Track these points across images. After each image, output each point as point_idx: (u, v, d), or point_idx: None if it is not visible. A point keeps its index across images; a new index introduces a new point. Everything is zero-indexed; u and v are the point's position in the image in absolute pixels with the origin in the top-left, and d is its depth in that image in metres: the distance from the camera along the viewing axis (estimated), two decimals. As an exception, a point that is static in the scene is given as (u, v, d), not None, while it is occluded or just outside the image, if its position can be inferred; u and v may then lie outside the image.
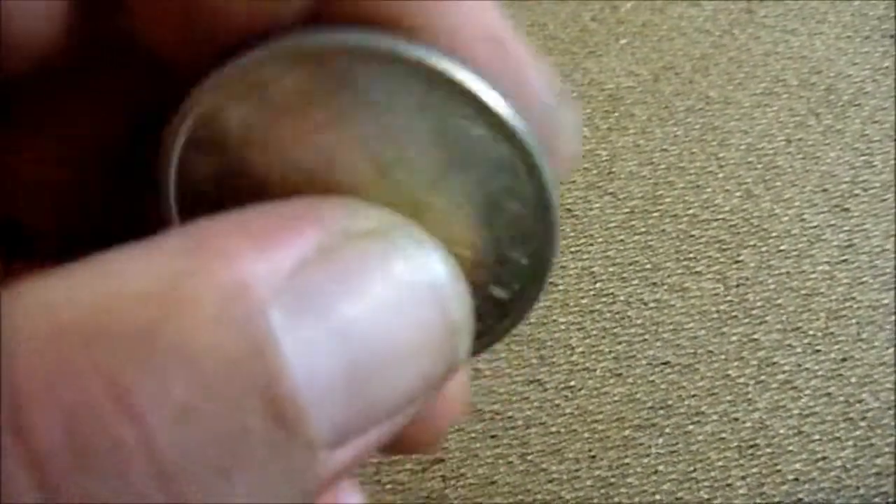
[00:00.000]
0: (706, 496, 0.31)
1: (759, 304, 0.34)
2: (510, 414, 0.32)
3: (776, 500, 0.30)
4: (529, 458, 0.31)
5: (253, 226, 0.10)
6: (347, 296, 0.10)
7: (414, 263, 0.11)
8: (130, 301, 0.09)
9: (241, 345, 0.09)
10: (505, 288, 0.14)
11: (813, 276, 0.34)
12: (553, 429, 0.32)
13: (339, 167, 0.13)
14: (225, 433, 0.09)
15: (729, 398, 0.32)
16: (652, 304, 0.34)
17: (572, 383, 0.32)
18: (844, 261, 0.35)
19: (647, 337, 0.33)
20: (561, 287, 0.34)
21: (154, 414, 0.09)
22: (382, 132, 0.12)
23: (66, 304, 0.10)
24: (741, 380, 0.32)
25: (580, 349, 0.33)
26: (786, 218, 0.35)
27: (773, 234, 0.35)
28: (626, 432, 0.32)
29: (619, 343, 0.33)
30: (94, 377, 0.09)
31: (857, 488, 0.31)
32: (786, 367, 0.33)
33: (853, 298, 0.34)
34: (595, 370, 0.33)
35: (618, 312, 0.34)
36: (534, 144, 0.12)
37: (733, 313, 0.34)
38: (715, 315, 0.34)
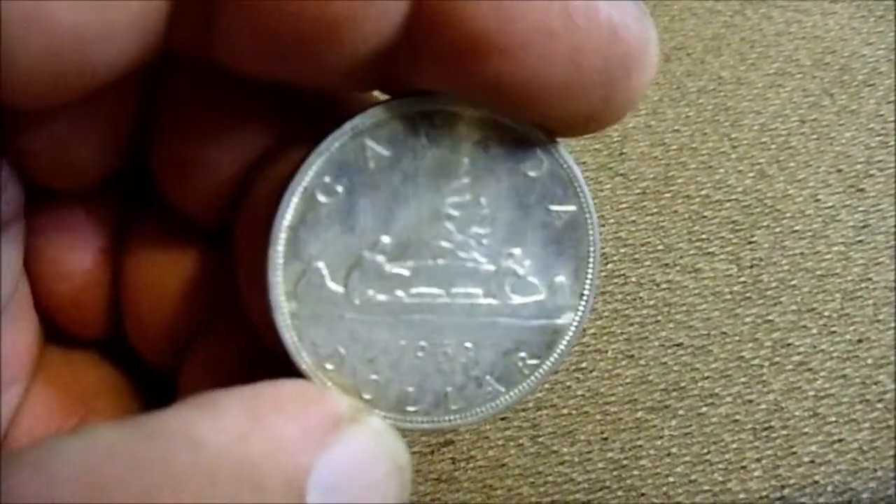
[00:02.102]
0: (720, 478, 0.30)
1: (773, 285, 0.33)
2: (521, 396, 0.31)
3: (792, 482, 0.30)
4: (540, 440, 0.31)
5: (290, 408, 0.14)
6: (348, 478, 0.14)
7: (390, 453, 0.15)
8: (223, 481, 0.13)
9: None
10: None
11: (828, 256, 0.34)
12: (564, 411, 0.31)
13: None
14: None
15: (743, 380, 0.32)
16: (664, 286, 0.33)
17: (584, 365, 0.32)
18: (860, 241, 0.34)
19: (659, 318, 0.33)
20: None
21: None
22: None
23: (166, 469, 0.13)
24: (755, 361, 0.32)
25: (591, 331, 0.32)
26: (800, 198, 0.35)
27: (787, 215, 0.35)
28: (639, 414, 0.31)
29: (632, 324, 0.33)
30: None
31: (875, 470, 0.30)
32: (801, 349, 0.32)
33: (869, 279, 0.33)
34: (607, 352, 0.32)
35: (630, 294, 0.33)
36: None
37: (747, 294, 0.33)
38: (728, 296, 0.33)
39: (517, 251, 0.17)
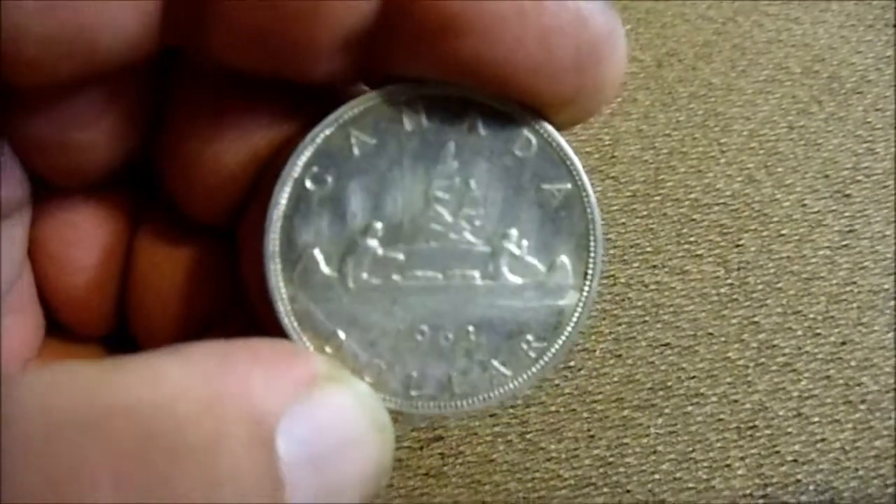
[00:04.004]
0: (705, 476, 0.31)
1: (759, 287, 0.34)
2: (510, 393, 0.32)
3: (775, 481, 0.31)
4: (528, 436, 0.31)
5: (264, 355, 0.14)
6: (321, 430, 0.14)
7: (369, 412, 0.15)
8: (182, 415, 0.13)
9: (259, 465, 0.13)
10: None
11: (814, 260, 0.34)
12: (552, 408, 0.32)
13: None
14: None
15: (728, 380, 0.32)
16: (653, 287, 0.34)
17: (572, 363, 0.32)
18: (845, 246, 0.35)
19: (647, 319, 0.33)
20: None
21: None
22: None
23: (123, 400, 0.13)
24: (741, 362, 0.32)
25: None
26: (787, 203, 0.36)
27: (775, 219, 0.35)
28: (625, 413, 0.32)
29: (620, 324, 0.33)
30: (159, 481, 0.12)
31: (856, 470, 0.31)
32: (786, 350, 0.33)
33: (854, 283, 0.34)
34: (595, 351, 0.33)
35: (618, 294, 0.34)
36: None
37: (734, 296, 0.34)
38: (715, 298, 0.34)
39: (513, 232, 0.17)
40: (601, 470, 0.31)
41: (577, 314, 0.17)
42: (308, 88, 0.18)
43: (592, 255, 0.17)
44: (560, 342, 0.17)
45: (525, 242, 0.17)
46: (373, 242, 0.17)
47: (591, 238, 0.17)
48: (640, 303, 0.33)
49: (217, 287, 0.20)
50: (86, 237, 0.20)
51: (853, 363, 0.32)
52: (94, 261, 0.20)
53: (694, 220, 0.35)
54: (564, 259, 0.17)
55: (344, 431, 0.15)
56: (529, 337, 0.17)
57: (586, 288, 0.17)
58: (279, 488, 0.13)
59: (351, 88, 0.18)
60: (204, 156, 0.18)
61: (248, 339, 0.14)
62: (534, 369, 0.17)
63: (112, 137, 0.19)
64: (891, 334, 0.33)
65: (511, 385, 0.17)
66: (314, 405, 0.14)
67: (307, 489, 0.14)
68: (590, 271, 0.17)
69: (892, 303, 0.33)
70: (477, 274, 0.17)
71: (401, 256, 0.17)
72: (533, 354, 0.17)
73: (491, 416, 0.31)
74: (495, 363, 0.17)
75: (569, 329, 0.17)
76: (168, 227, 0.20)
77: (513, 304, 0.17)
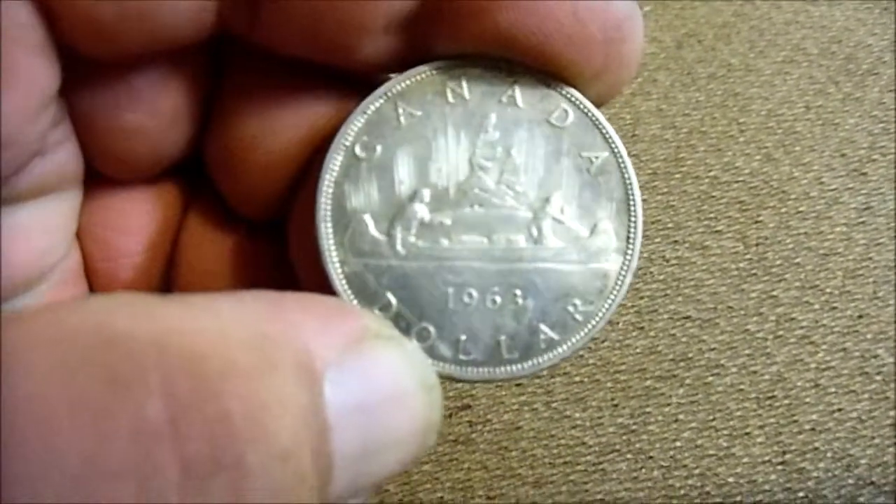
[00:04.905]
0: (725, 444, 0.32)
1: (778, 262, 0.35)
2: (535, 363, 0.33)
3: (793, 448, 0.31)
4: (554, 405, 0.32)
5: (316, 309, 0.14)
6: (369, 382, 0.14)
7: (417, 370, 0.15)
8: (234, 341, 0.13)
9: (306, 404, 0.13)
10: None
11: (831, 236, 0.35)
12: (577, 378, 0.33)
13: None
14: (296, 478, 0.13)
15: (748, 352, 0.33)
16: (674, 261, 0.35)
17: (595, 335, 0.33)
18: (862, 222, 0.35)
19: (668, 292, 0.34)
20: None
21: (253, 448, 0.12)
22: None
23: (178, 323, 0.13)
24: (760, 334, 0.33)
25: (603, 303, 0.34)
26: (805, 181, 0.36)
27: (793, 196, 0.36)
28: (648, 382, 0.33)
29: (642, 298, 0.34)
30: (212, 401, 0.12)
31: (872, 438, 0.31)
32: (804, 323, 0.34)
33: (870, 258, 0.35)
34: (618, 323, 0.34)
35: (641, 268, 0.34)
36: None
37: (753, 271, 0.34)
38: (735, 272, 0.34)
39: (554, 197, 0.17)
40: (625, 437, 0.32)
41: (621, 277, 0.17)
42: (354, 75, 0.19)
43: (633, 218, 0.17)
44: (606, 306, 0.17)
45: (566, 208, 0.17)
46: (420, 207, 0.17)
47: (631, 202, 0.17)
48: (661, 277, 0.34)
49: (262, 279, 0.21)
50: (134, 225, 0.21)
51: (869, 336, 0.33)
52: (139, 248, 0.21)
53: (714, 197, 0.36)
54: (607, 223, 0.17)
55: (392, 386, 0.15)
56: (576, 301, 0.17)
57: (629, 251, 0.17)
58: (326, 430, 0.13)
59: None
60: (249, 142, 0.19)
61: (301, 293, 0.15)
62: (581, 333, 0.17)
63: (165, 124, 0.19)
64: (906, 308, 0.34)
65: (560, 349, 0.17)
66: (363, 358, 0.14)
67: (354, 438, 0.14)
68: (632, 235, 0.17)
69: (908, 278, 0.34)
70: (521, 238, 0.17)
71: (448, 221, 0.17)
72: (580, 318, 0.17)
73: (517, 385, 0.32)
74: (543, 327, 0.17)
75: (614, 293, 0.17)
76: (215, 218, 0.21)
77: (558, 268, 0.17)
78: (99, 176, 0.20)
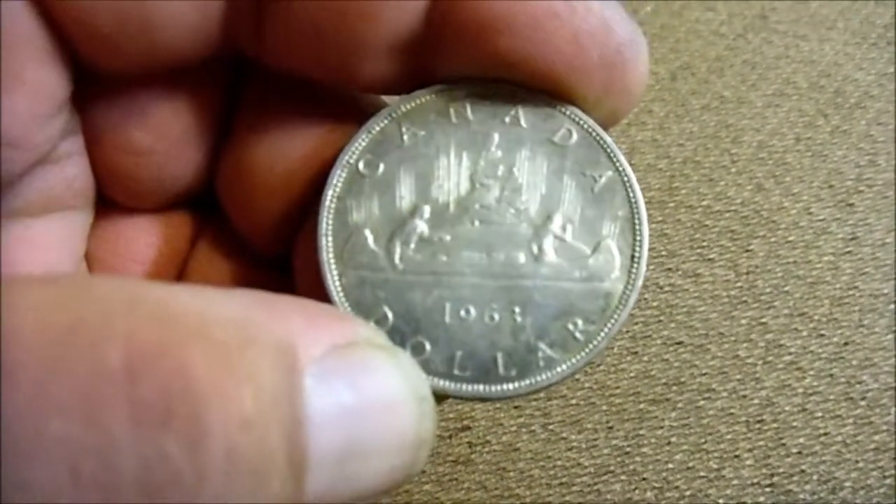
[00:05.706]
0: (716, 466, 0.33)
1: (767, 290, 0.36)
2: (533, 386, 0.34)
3: (781, 471, 0.33)
4: (551, 427, 0.33)
5: (308, 310, 0.14)
6: (356, 386, 0.14)
7: (409, 380, 0.15)
8: (211, 319, 0.13)
9: (278, 385, 0.13)
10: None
11: (818, 265, 0.36)
12: (573, 401, 0.34)
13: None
14: (261, 453, 0.12)
15: (738, 377, 0.34)
16: (667, 288, 0.36)
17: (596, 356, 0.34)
18: (848, 252, 0.37)
19: (662, 318, 0.35)
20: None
21: (209, 408, 0.12)
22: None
23: (156, 298, 0.13)
24: (750, 360, 0.35)
25: (599, 328, 0.35)
26: (794, 211, 0.38)
27: (782, 226, 0.37)
28: (642, 406, 0.34)
29: (636, 323, 0.35)
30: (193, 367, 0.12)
31: (856, 462, 0.33)
32: (792, 349, 0.35)
33: (856, 287, 0.36)
34: (613, 348, 0.35)
35: (635, 295, 0.36)
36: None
37: (743, 298, 0.36)
38: (726, 299, 0.36)
39: (556, 215, 0.17)
40: (619, 459, 0.33)
41: (625, 297, 0.17)
42: (357, 98, 0.19)
43: (639, 237, 0.17)
44: (608, 326, 0.17)
45: (569, 225, 0.17)
46: (420, 223, 0.17)
47: (637, 221, 0.17)
48: (655, 303, 0.36)
49: None
50: (141, 253, 0.21)
51: (855, 362, 0.35)
52: (145, 276, 0.21)
53: (706, 225, 0.37)
54: (609, 242, 0.17)
55: (380, 393, 0.14)
56: (578, 320, 0.16)
57: (634, 270, 0.17)
58: (301, 419, 0.13)
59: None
60: (262, 166, 0.19)
61: (297, 297, 0.14)
62: (582, 353, 0.16)
63: (173, 147, 0.20)
64: (890, 336, 0.35)
65: (559, 368, 0.16)
66: (352, 362, 0.14)
67: (336, 438, 0.13)
68: (636, 253, 0.17)
69: (892, 306, 0.35)
70: (521, 255, 0.17)
71: (447, 237, 0.17)
72: (581, 337, 0.17)
73: (515, 407, 0.34)
74: (542, 345, 0.16)
75: (618, 313, 0.17)
76: (223, 250, 0.21)
77: (558, 286, 0.17)
78: (109, 204, 0.21)
